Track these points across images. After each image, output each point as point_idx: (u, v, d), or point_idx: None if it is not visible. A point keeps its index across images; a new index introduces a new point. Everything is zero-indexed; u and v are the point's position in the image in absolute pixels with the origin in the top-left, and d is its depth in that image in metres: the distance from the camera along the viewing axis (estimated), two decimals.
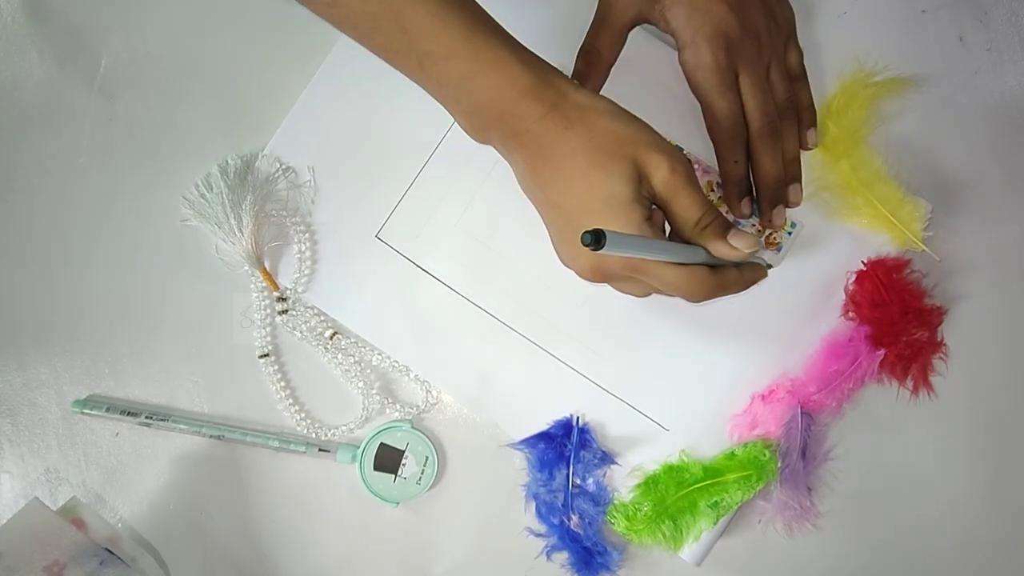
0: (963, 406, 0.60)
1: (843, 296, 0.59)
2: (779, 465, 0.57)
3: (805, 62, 0.60)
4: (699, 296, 0.51)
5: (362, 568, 0.60)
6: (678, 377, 0.59)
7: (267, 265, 0.60)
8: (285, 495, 0.60)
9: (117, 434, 0.61)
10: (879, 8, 0.62)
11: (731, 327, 0.59)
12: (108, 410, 0.59)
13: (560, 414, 0.59)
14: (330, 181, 0.61)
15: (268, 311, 0.61)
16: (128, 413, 0.59)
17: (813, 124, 0.60)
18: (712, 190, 0.60)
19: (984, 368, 0.60)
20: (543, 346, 0.60)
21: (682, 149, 0.60)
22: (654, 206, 0.51)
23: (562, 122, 0.49)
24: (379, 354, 0.60)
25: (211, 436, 0.59)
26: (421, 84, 0.51)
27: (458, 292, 0.60)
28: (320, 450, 0.59)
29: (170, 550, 0.60)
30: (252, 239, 0.59)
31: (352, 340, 0.60)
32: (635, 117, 0.51)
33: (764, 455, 0.57)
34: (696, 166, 0.60)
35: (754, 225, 0.60)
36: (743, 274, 0.54)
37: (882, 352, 0.58)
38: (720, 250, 0.50)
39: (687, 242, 0.51)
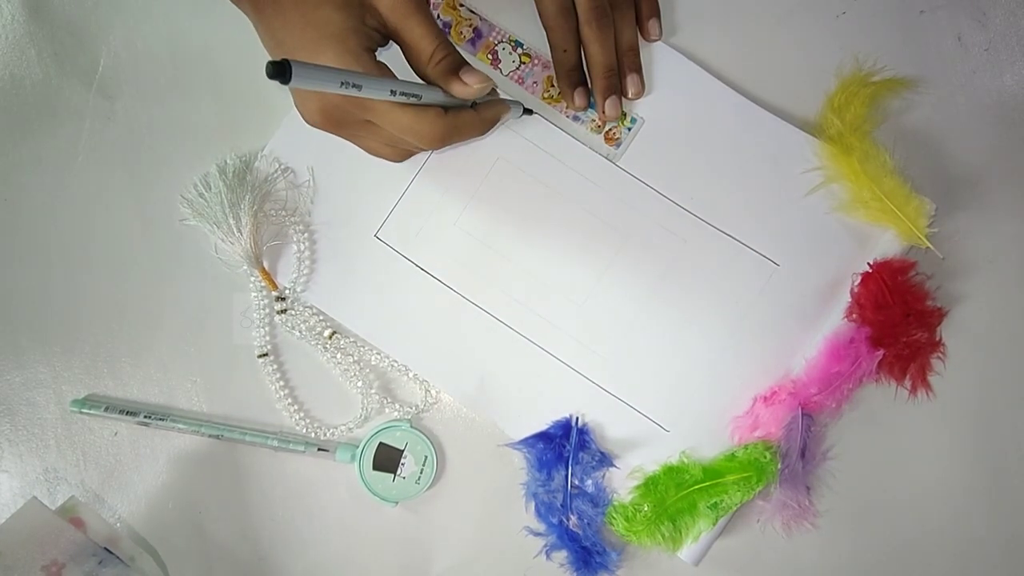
0: (962, 406, 0.60)
1: (847, 297, 0.59)
2: (779, 466, 0.57)
3: (804, 59, 0.60)
4: (433, 139, 0.49)
5: (361, 567, 0.60)
6: (679, 378, 0.59)
7: (266, 265, 0.60)
8: (284, 494, 0.60)
9: (116, 433, 0.61)
10: (877, 8, 0.62)
11: (733, 327, 0.59)
12: (107, 409, 0.59)
13: (559, 414, 0.59)
14: (329, 181, 0.61)
15: (267, 310, 0.61)
16: (127, 412, 0.59)
17: (655, 15, 0.60)
18: (552, 86, 0.60)
19: (984, 367, 0.60)
20: (542, 345, 0.60)
21: (521, 44, 0.60)
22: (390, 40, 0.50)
23: None
24: (378, 353, 0.60)
25: (210, 436, 0.59)
26: None
27: (457, 291, 0.60)
28: (319, 449, 0.59)
29: (169, 549, 0.60)
30: (251, 239, 0.59)
31: (351, 339, 0.60)
32: None
33: (764, 457, 0.57)
34: (536, 61, 0.60)
35: (593, 120, 0.60)
36: (480, 114, 0.52)
37: (880, 352, 0.58)
38: (454, 88, 0.49)
39: (426, 81, 0.50)
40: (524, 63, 0.60)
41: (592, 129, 0.60)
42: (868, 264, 0.58)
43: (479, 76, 0.50)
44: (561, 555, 0.58)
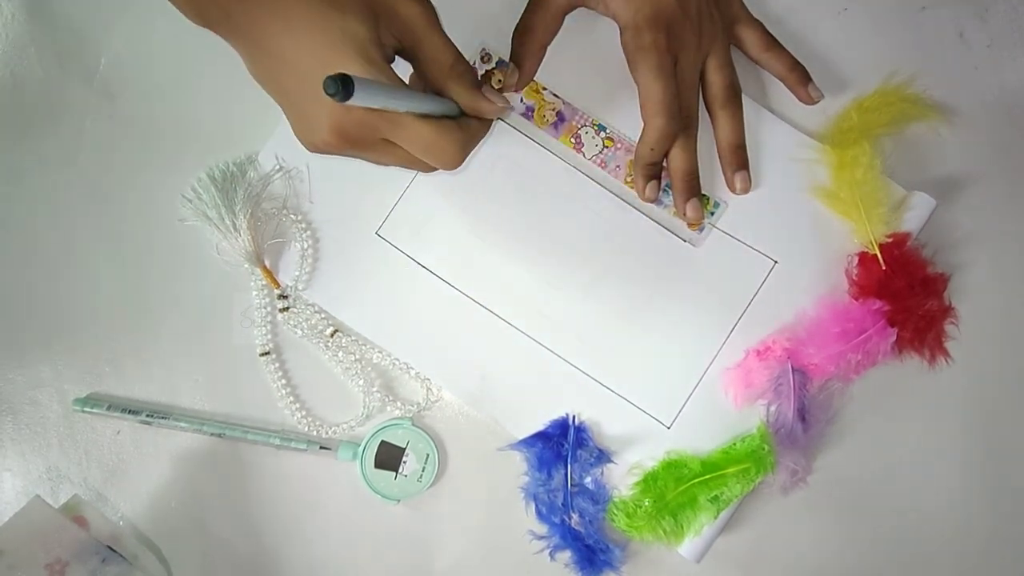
0: (961, 405, 0.60)
1: (847, 283, 0.59)
2: (771, 422, 0.57)
3: (803, 57, 0.60)
4: (452, 158, 0.48)
5: (363, 565, 0.60)
6: (678, 373, 0.59)
7: (268, 263, 0.60)
8: (286, 493, 0.60)
9: (118, 432, 0.61)
10: (879, 5, 0.62)
11: (732, 323, 0.59)
12: (109, 408, 0.59)
13: (560, 410, 0.59)
14: (330, 178, 0.61)
15: (269, 309, 0.61)
16: (129, 411, 0.60)
17: (806, 80, 0.60)
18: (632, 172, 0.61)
19: (983, 365, 0.60)
20: (543, 342, 0.60)
21: (604, 128, 0.60)
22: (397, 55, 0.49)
23: None
24: (379, 352, 0.60)
25: (212, 434, 0.60)
26: None
27: (458, 289, 0.60)
28: (321, 448, 0.59)
29: (172, 548, 0.60)
30: (250, 237, 0.59)
31: (353, 338, 0.60)
32: None
33: (763, 449, 0.57)
34: (619, 146, 0.60)
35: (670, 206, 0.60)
36: (482, 121, 0.51)
37: (894, 332, 0.57)
38: (475, 101, 0.48)
39: (437, 92, 0.48)
40: (607, 147, 0.60)
41: (673, 213, 0.60)
42: (861, 244, 0.59)
43: (500, 96, 0.50)
44: (565, 555, 0.58)
